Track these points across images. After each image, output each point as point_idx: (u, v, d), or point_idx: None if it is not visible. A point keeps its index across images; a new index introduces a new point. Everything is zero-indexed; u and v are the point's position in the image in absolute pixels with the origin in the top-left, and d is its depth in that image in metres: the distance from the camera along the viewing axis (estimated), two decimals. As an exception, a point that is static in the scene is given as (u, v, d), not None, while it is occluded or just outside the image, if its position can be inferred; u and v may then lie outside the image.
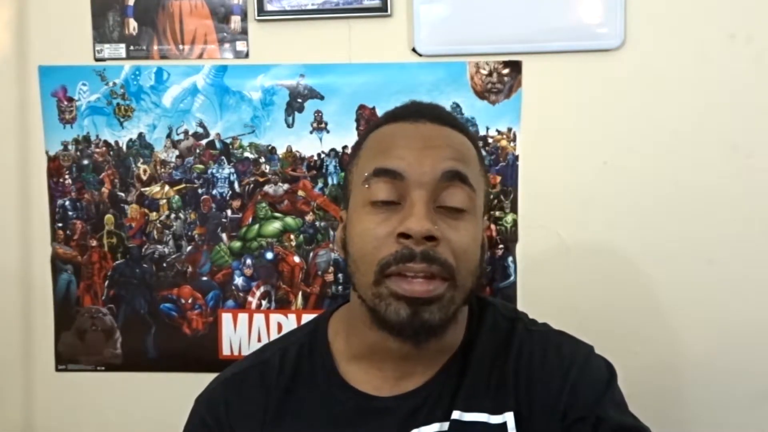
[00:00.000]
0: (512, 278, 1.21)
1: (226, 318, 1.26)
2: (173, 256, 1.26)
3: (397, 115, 0.84)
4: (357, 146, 0.86)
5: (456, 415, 0.78)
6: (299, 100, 1.22)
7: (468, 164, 0.79)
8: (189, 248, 1.26)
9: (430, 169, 0.76)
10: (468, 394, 0.79)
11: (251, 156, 1.24)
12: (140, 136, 1.25)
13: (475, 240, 0.77)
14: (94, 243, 1.27)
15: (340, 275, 1.24)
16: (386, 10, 1.18)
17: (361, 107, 1.21)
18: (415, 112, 0.83)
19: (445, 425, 0.78)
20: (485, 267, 0.82)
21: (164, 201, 1.26)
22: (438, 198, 0.76)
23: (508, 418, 0.78)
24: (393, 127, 0.82)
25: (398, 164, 0.76)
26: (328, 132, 1.22)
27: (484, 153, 1.19)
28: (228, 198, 1.25)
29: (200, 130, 1.25)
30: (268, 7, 1.20)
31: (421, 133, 0.79)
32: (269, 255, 1.25)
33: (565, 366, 0.80)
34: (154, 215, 1.26)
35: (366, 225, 0.77)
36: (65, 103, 1.25)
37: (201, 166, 1.25)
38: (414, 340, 0.76)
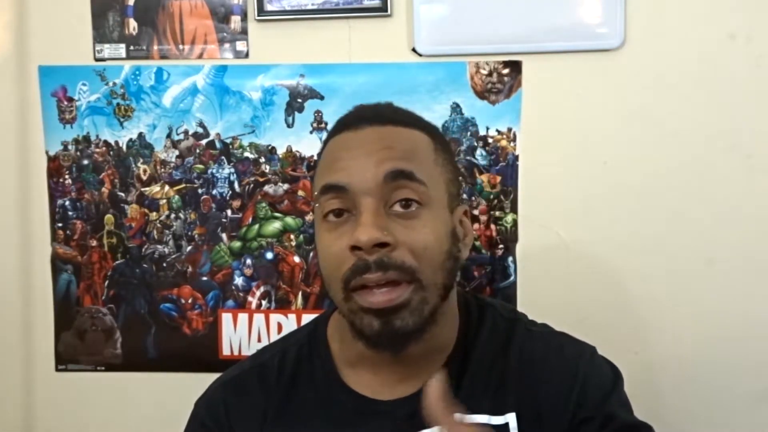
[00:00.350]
0: (512, 278, 1.21)
1: (226, 318, 1.26)
2: (173, 256, 1.26)
3: (341, 124, 0.83)
4: (316, 162, 0.86)
5: (457, 417, 0.78)
6: (299, 100, 1.22)
7: (415, 159, 0.77)
8: (189, 248, 1.26)
9: (372, 175, 0.75)
10: (468, 395, 0.79)
11: (251, 156, 1.24)
12: (140, 136, 1.25)
13: (436, 234, 0.76)
14: (94, 243, 1.27)
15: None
16: (386, 10, 1.18)
17: (361, 107, 1.21)
18: (357, 119, 0.82)
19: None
20: (460, 257, 0.81)
21: (164, 201, 1.26)
22: (389, 201, 0.75)
23: (510, 418, 0.78)
24: (337, 138, 0.82)
25: (341, 178, 0.76)
26: (328, 132, 1.22)
27: (483, 153, 1.19)
28: (228, 198, 1.25)
29: (200, 130, 1.25)
30: (268, 7, 1.19)
31: (361, 140, 0.79)
32: (269, 255, 1.25)
33: (572, 366, 0.80)
34: (154, 215, 1.26)
35: (324, 242, 0.77)
36: (65, 103, 1.25)
37: (201, 166, 1.25)
38: (391, 349, 0.76)
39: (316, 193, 0.79)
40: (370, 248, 0.72)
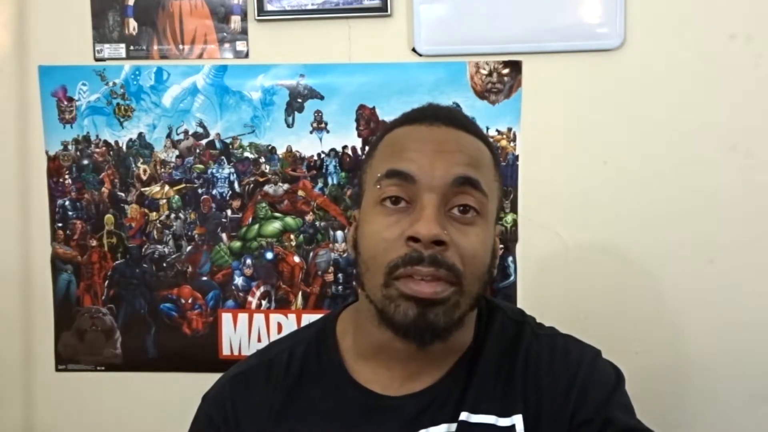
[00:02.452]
0: (512, 278, 1.21)
1: (226, 318, 1.26)
2: (173, 256, 1.26)
3: (413, 117, 0.84)
4: (372, 147, 0.85)
5: (464, 416, 0.78)
6: (299, 100, 1.22)
7: (481, 170, 0.79)
8: (189, 248, 1.26)
9: (441, 174, 0.76)
10: (476, 395, 0.79)
11: (251, 156, 1.24)
12: (140, 136, 1.25)
13: (484, 246, 0.77)
14: (94, 243, 1.27)
15: (340, 275, 1.24)
16: (386, 10, 1.18)
17: (361, 107, 1.21)
18: (430, 115, 0.83)
19: (453, 426, 0.78)
20: (494, 273, 0.82)
21: (164, 201, 1.26)
22: (449, 202, 0.76)
23: (517, 420, 0.79)
24: (408, 129, 0.82)
25: (410, 167, 0.76)
26: (328, 132, 1.22)
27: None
28: (228, 198, 1.25)
29: (200, 130, 1.25)
30: (268, 7, 1.20)
31: (435, 137, 0.79)
32: (269, 255, 1.25)
33: (573, 369, 0.80)
34: (154, 215, 1.26)
35: (376, 227, 0.77)
36: (65, 103, 1.25)
37: (201, 166, 1.25)
38: (419, 340, 0.76)
39: (378, 175, 0.78)
40: (428, 243, 0.73)
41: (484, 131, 1.18)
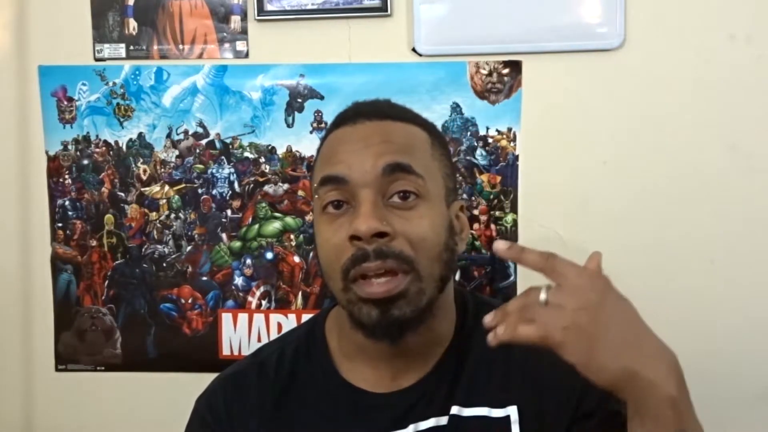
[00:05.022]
0: (512, 278, 1.21)
1: (226, 318, 1.26)
2: (173, 256, 1.26)
3: (338, 120, 0.86)
4: (314, 159, 0.88)
5: (455, 410, 0.79)
6: (299, 100, 1.22)
7: (412, 153, 0.79)
8: (189, 248, 1.26)
9: (370, 168, 0.77)
10: (467, 390, 0.80)
11: (251, 156, 1.24)
12: (140, 136, 1.25)
13: (432, 226, 0.78)
14: (94, 243, 1.27)
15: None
16: (386, 10, 1.18)
17: (361, 107, 1.21)
18: (353, 115, 0.85)
19: (443, 420, 0.79)
20: (456, 250, 0.83)
21: (164, 201, 1.26)
22: (387, 193, 0.77)
23: (512, 411, 0.79)
24: (335, 133, 0.84)
25: (340, 169, 0.78)
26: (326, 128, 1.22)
27: (483, 153, 1.19)
28: (228, 198, 1.25)
29: (200, 130, 1.25)
30: (268, 7, 1.20)
31: (359, 134, 0.81)
32: (269, 255, 1.25)
33: None
34: (154, 215, 1.26)
35: (325, 234, 0.79)
36: (65, 103, 1.25)
37: (201, 166, 1.25)
38: (389, 338, 0.77)
39: (315, 185, 0.81)
40: (370, 238, 0.74)
41: (485, 131, 1.19)
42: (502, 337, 0.66)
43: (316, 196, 0.80)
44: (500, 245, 0.70)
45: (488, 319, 0.68)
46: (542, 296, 0.66)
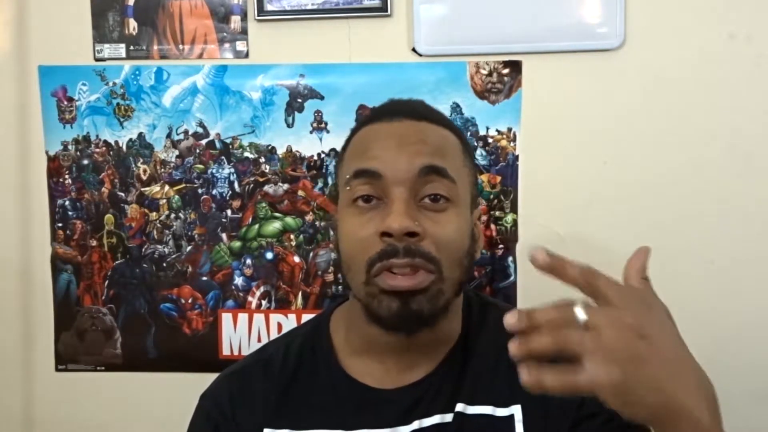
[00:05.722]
0: (512, 278, 1.21)
1: (226, 318, 1.26)
2: (173, 256, 1.26)
3: (375, 115, 0.86)
4: (342, 149, 0.88)
5: (460, 407, 0.79)
6: (299, 100, 1.22)
7: (446, 157, 0.80)
8: (189, 248, 1.26)
9: (406, 166, 0.77)
10: (472, 387, 0.80)
11: (251, 156, 1.24)
12: (140, 136, 1.25)
13: (459, 231, 0.79)
14: (94, 243, 1.27)
15: (340, 275, 1.24)
16: (386, 10, 1.18)
17: (361, 107, 1.21)
18: (391, 111, 0.85)
19: (447, 417, 0.79)
20: (475, 256, 0.84)
21: (164, 201, 1.26)
22: (419, 193, 0.78)
23: (515, 410, 0.80)
24: (371, 127, 0.84)
25: (376, 164, 0.78)
26: (328, 132, 1.22)
27: (483, 153, 1.19)
28: (228, 198, 1.25)
29: (200, 130, 1.25)
30: (268, 7, 1.19)
31: (397, 131, 0.81)
32: (269, 255, 1.25)
33: None
34: (154, 215, 1.26)
35: (351, 227, 0.79)
36: (65, 103, 1.25)
37: (201, 166, 1.25)
38: (406, 330, 0.78)
39: (347, 176, 0.80)
40: (401, 236, 0.75)
41: (485, 131, 1.19)
42: (533, 382, 0.56)
43: (348, 188, 0.80)
44: (540, 255, 0.60)
45: (511, 321, 0.58)
46: (580, 315, 0.57)
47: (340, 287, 1.24)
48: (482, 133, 1.20)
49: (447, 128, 0.85)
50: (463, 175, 0.82)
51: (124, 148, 1.26)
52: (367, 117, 0.88)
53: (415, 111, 0.85)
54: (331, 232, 1.23)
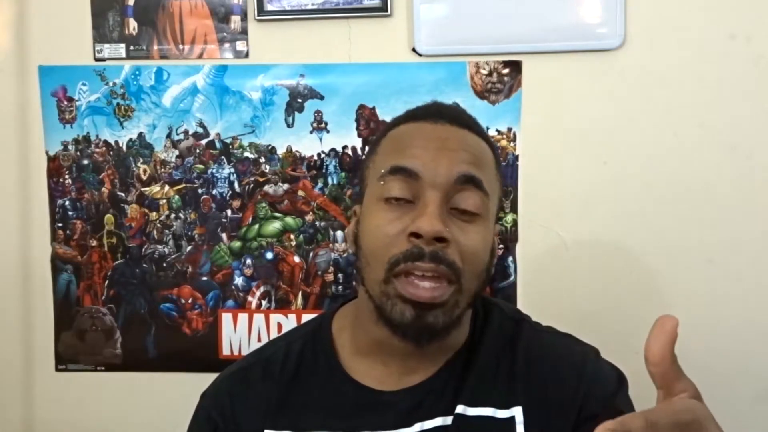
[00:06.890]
0: (512, 278, 1.21)
1: (226, 318, 1.26)
2: (173, 256, 1.26)
3: (417, 114, 0.84)
4: (375, 143, 0.86)
5: (460, 409, 0.79)
6: (299, 100, 1.22)
7: (483, 169, 0.79)
8: (189, 248, 1.26)
9: (445, 171, 0.76)
10: (473, 390, 0.80)
11: (251, 156, 1.24)
12: (140, 136, 1.25)
13: (484, 244, 0.78)
14: (94, 243, 1.27)
15: (340, 275, 1.24)
16: (386, 10, 1.18)
17: (361, 107, 1.21)
18: (435, 113, 0.83)
19: (449, 419, 0.79)
20: (492, 272, 0.83)
21: (164, 201, 1.26)
22: (451, 200, 0.76)
23: (516, 412, 0.79)
24: (412, 126, 0.82)
25: (414, 163, 0.77)
26: (328, 132, 1.22)
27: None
28: (228, 198, 1.25)
29: (200, 130, 1.25)
30: (268, 7, 1.20)
31: (439, 134, 0.80)
32: (269, 255, 1.25)
33: (579, 364, 0.82)
34: (154, 215, 1.26)
35: (379, 222, 0.77)
36: (65, 103, 1.25)
37: (201, 166, 1.25)
38: (416, 340, 0.77)
39: (382, 171, 0.78)
40: (430, 239, 0.73)
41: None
42: None
43: (381, 183, 0.78)
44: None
45: None
46: None
47: (340, 287, 1.24)
48: (482, 133, 1.20)
49: (484, 140, 0.83)
50: (494, 189, 0.81)
51: (124, 148, 1.26)
52: (408, 114, 0.85)
53: (459, 118, 0.84)
54: (332, 232, 1.23)
